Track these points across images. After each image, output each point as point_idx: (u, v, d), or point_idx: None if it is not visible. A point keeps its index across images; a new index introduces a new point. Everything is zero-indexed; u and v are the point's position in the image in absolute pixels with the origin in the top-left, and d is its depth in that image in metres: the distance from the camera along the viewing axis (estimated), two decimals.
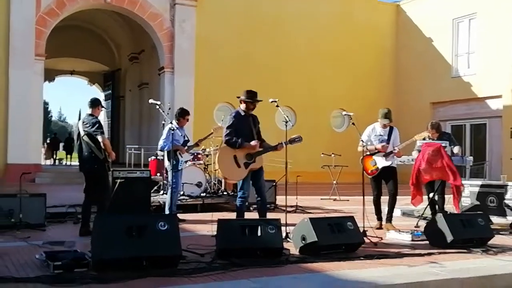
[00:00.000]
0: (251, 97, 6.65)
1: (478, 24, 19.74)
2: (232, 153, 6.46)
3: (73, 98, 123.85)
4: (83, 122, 6.91)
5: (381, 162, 7.57)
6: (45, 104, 67.40)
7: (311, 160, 16.72)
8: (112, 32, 24.33)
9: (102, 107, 7.33)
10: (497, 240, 6.52)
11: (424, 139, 7.90)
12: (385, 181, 7.65)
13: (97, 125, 6.80)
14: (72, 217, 7.98)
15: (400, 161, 7.91)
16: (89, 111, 7.05)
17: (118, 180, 7.65)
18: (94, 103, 7.06)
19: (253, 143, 6.47)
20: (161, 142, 8.30)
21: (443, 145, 7.71)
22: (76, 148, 7.41)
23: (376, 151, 7.60)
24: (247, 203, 6.92)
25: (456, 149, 8.26)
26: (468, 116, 20.29)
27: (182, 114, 8.42)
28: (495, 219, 8.11)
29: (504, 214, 8.19)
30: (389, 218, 7.62)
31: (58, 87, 62.51)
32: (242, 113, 6.69)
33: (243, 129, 6.59)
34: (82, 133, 6.86)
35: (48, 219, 7.53)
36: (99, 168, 6.78)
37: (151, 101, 7.75)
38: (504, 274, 4.95)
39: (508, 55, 18.46)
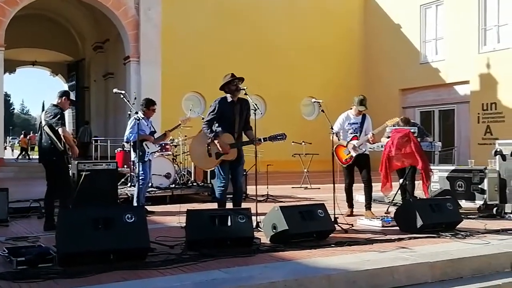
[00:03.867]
0: (230, 77, 6.36)
1: (445, 10, 20.02)
2: (206, 141, 6.32)
3: (36, 90, 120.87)
4: (46, 112, 6.67)
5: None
6: (7, 96, 65.77)
7: (282, 149, 16.63)
8: (75, 21, 23.74)
9: (72, 100, 6.99)
10: (465, 224, 6.60)
11: (396, 124, 7.95)
12: (359, 169, 7.67)
13: (59, 116, 6.51)
14: (36, 212, 7.75)
15: (370, 148, 7.94)
16: (54, 101, 6.80)
17: (83, 173, 7.46)
18: (61, 94, 6.81)
19: (221, 146, 6.20)
20: (127, 133, 8.12)
21: (412, 130, 7.78)
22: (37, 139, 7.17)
23: (349, 140, 7.60)
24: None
25: (429, 139, 8.62)
26: (436, 102, 20.63)
27: (148, 105, 8.25)
28: (463, 203, 8.23)
29: (472, 198, 8.32)
30: (369, 206, 7.62)
31: (19, 78, 60.88)
32: (229, 99, 6.41)
33: (226, 116, 6.36)
34: (43, 122, 6.62)
35: (11, 214, 7.30)
36: (57, 160, 6.52)
37: (115, 90, 7.57)
38: (473, 257, 5.00)
39: (475, 40, 18.78)
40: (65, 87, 26.55)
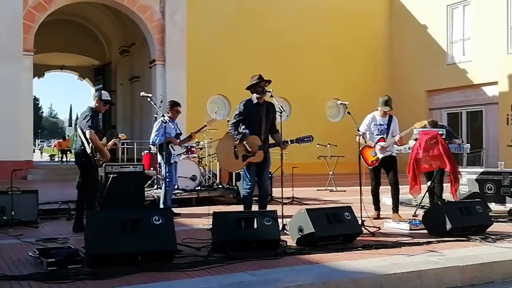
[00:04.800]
0: (258, 79, 6.35)
1: (473, 10, 19.71)
2: (233, 143, 6.33)
3: (64, 94, 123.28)
4: (81, 114, 6.77)
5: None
6: (35, 100, 67.14)
7: (307, 151, 16.57)
8: (102, 26, 24.12)
9: (105, 101, 6.78)
10: (495, 227, 6.48)
11: (424, 126, 7.83)
12: (386, 171, 7.56)
13: (88, 118, 6.50)
14: (65, 214, 7.86)
15: (398, 150, 7.84)
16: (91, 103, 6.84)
17: (111, 176, 7.52)
18: (93, 95, 6.84)
19: (250, 145, 6.21)
20: (153, 136, 8.19)
21: (440, 132, 7.66)
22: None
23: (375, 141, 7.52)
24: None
25: (458, 141, 8.51)
26: (464, 104, 20.30)
27: (172, 106, 8.32)
28: (493, 206, 8.07)
29: (502, 201, 8.16)
30: (396, 209, 7.50)
31: (48, 82, 62.58)
32: (254, 101, 6.40)
33: (252, 118, 6.35)
34: (77, 124, 6.73)
35: (41, 216, 7.42)
36: (86, 163, 6.56)
37: (142, 93, 7.62)
38: (503, 261, 4.91)
39: (503, 40, 18.45)
40: (92, 90, 26.97)
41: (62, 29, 23.22)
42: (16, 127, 15.37)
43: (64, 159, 28.09)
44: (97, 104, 6.73)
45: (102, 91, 7.21)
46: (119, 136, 7.82)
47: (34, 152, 23.93)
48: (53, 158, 33.08)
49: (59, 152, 29.78)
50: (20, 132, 15.55)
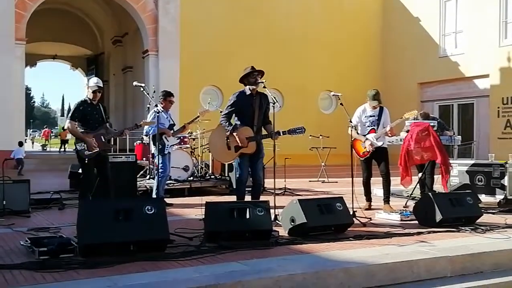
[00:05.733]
0: (250, 70, 6.36)
1: (465, 3, 19.76)
2: (225, 134, 6.33)
3: (56, 83, 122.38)
4: None
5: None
6: (27, 89, 66.63)
7: (299, 142, 16.65)
8: (95, 15, 23.96)
9: (92, 88, 6.53)
10: (485, 218, 6.54)
11: (415, 118, 7.87)
12: (377, 162, 7.60)
13: (72, 110, 6.52)
14: (57, 203, 7.85)
15: (389, 142, 7.88)
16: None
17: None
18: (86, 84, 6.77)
19: (239, 139, 6.21)
20: (146, 126, 8.17)
21: (431, 124, 7.70)
22: None
23: (366, 132, 7.55)
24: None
25: (450, 133, 8.55)
26: (455, 96, 20.41)
27: (166, 96, 8.29)
28: (483, 198, 8.14)
29: (492, 193, 8.23)
30: (387, 200, 7.56)
31: (40, 72, 61.98)
32: (247, 93, 6.40)
33: (245, 109, 6.35)
34: None
35: (32, 206, 7.40)
36: (77, 153, 6.58)
37: (135, 83, 7.60)
38: (493, 251, 4.95)
39: (495, 33, 18.52)
40: (85, 80, 26.83)
41: (54, 18, 23.04)
42: (7, 117, 15.30)
43: (62, 150, 27.95)
44: (87, 93, 6.67)
45: (90, 79, 7.06)
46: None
47: (25, 142, 23.82)
48: (45, 148, 32.88)
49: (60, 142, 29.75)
50: (12, 121, 15.48)
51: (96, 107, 6.66)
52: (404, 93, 20.97)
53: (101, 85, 6.68)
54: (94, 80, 6.69)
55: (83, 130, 6.52)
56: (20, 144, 15.00)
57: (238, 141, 6.24)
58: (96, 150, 6.51)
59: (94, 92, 6.58)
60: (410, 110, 7.65)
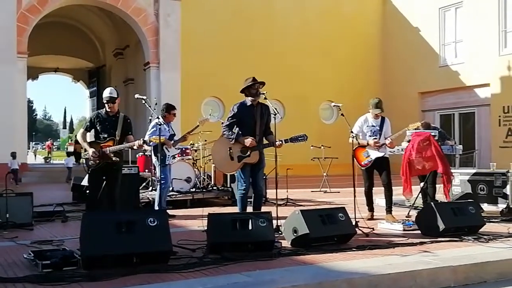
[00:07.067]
0: (251, 81, 6.36)
1: (465, 13, 19.84)
2: (228, 144, 6.33)
3: (58, 96, 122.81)
4: None
5: (373, 153, 7.52)
6: (29, 102, 66.81)
7: (301, 153, 16.66)
8: (96, 28, 24.08)
9: (104, 99, 6.51)
10: (488, 227, 6.53)
11: (417, 128, 7.89)
12: (379, 172, 7.60)
13: (87, 120, 6.60)
14: (60, 216, 7.86)
15: (390, 151, 7.89)
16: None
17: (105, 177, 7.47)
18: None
19: (247, 141, 6.24)
20: (147, 138, 8.18)
21: (432, 134, 7.72)
22: None
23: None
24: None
25: (451, 142, 8.62)
26: (456, 105, 20.43)
27: (169, 109, 8.32)
28: (485, 207, 8.14)
29: (494, 202, 8.23)
30: (389, 210, 7.53)
31: (42, 85, 62.29)
32: (248, 103, 6.41)
33: (246, 120, 6.37)
34: None
35: (36, 218, 7.40)
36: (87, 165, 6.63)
37: (137, 96, 7.62)
38: (496, 261, 4.95)
39: (494, 43, 18.58)
40: (86, 93, 26.91)
41: (56, 32, 23.16)
42: (10, 130, 15.33)
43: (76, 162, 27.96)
44: (105, 104, 6.56)
45: (105, 90, 6.80)
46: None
47: (27, 154, 23.84)
48: (47, 161, 32.93)
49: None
50: (14, 134, 15.51)
51: (112, 118, 6.60)
52: (405, 102, 21.01)
53: (114, 95, 6.53)
54: (107, 91, 6.56)
55: (91, 140, 6.51)
56: (14, 155, 14.79)
57: (249, 142, 6.22)
58: (97, 161, 6.44)
59: (106, 103, 6.52)
60: (411, 119, 7.68)
